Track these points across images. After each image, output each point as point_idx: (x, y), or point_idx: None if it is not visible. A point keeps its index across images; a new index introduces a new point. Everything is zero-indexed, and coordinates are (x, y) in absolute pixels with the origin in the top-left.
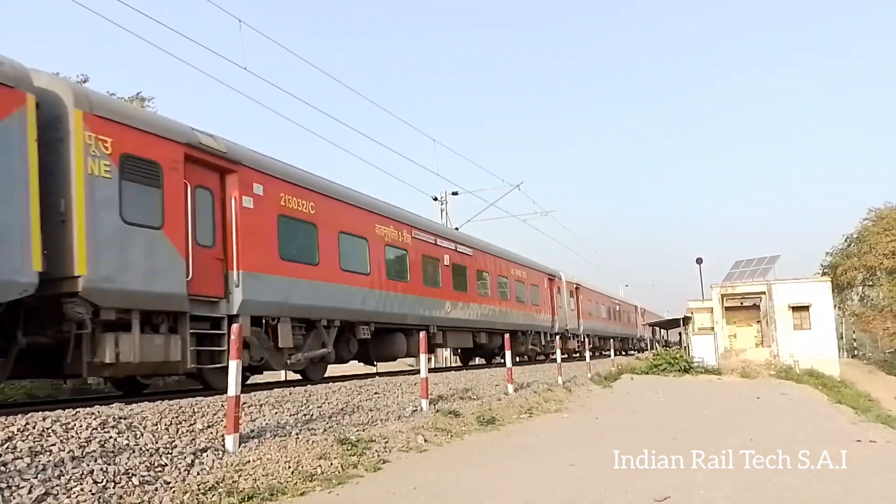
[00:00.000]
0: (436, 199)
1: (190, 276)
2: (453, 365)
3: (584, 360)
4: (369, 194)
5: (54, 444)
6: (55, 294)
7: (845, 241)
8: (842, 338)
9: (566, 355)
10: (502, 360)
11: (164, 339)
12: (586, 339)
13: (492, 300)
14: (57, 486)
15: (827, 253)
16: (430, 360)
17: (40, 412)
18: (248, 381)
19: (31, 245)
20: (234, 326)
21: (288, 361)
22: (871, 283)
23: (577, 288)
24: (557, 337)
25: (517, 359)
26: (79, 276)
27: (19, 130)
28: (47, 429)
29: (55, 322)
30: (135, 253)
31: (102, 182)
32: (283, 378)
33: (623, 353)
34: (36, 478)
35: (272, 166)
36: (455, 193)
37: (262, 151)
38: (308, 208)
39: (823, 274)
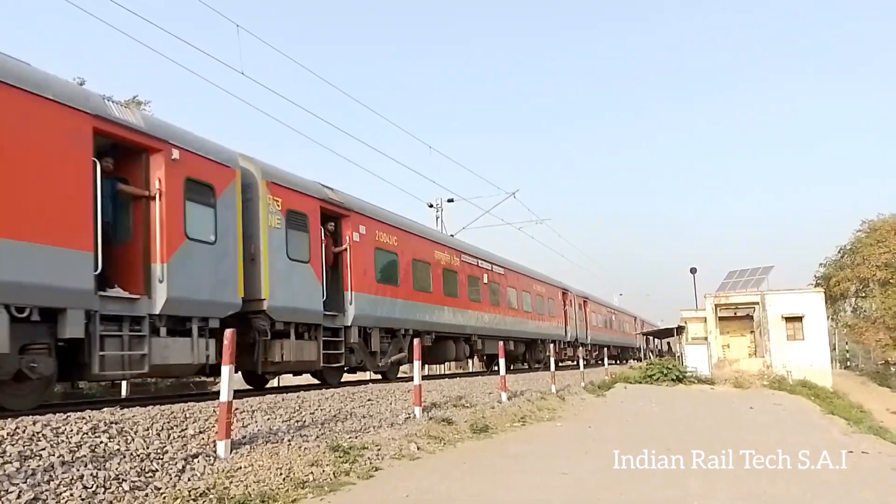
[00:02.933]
0: (431, 205)
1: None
2: (478, 370)
3: (598, 367)
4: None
5: (44, 449)
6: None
7: (839, 252)
8: (835, 349)
9: (575, 362)
10: (523, 365)
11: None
12: (581, 348)
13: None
14: (46, 491)
15: (820, 264)
16: (468, 364)
17: (30, 416)
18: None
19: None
20: (228, 332)
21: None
22: (864, 294)
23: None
24: (551, 344)
25: (535, 365)
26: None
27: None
28: (37, 433)
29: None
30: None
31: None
32: (277, 384)
33: (622, 361)
34: (25, 482)
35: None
36: (451, 200)
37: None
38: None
39: (817, 285)
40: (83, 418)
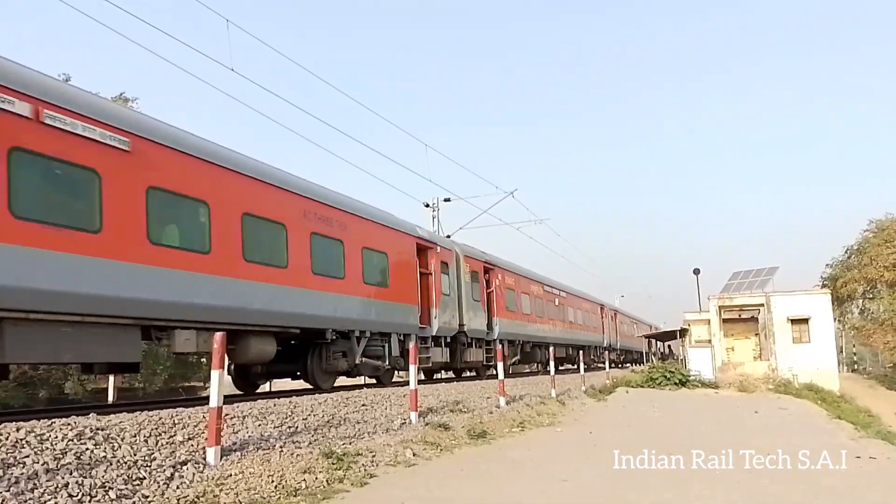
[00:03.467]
0: (427, 205)
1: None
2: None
3: (604, 369)
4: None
5: (28, 456)
6: (457, 332)
7: (846, 252)
8: (842, 351)
9: (610, 363)
10: (574, 366)
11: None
12: (613, 352)
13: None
14: (30, 499)
15: (827, 265)
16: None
17: (14, 422)
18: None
19: (461, 314)
20: (217, 335)
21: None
22: (871, 295)
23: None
24: (552, 348)
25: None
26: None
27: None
28: (21, 440)
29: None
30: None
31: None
32: (269, 389)
33: (628, 364)
34: (8, 491)
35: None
36: (447, 200)
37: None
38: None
39: (823, 286)
40: (68, 424)
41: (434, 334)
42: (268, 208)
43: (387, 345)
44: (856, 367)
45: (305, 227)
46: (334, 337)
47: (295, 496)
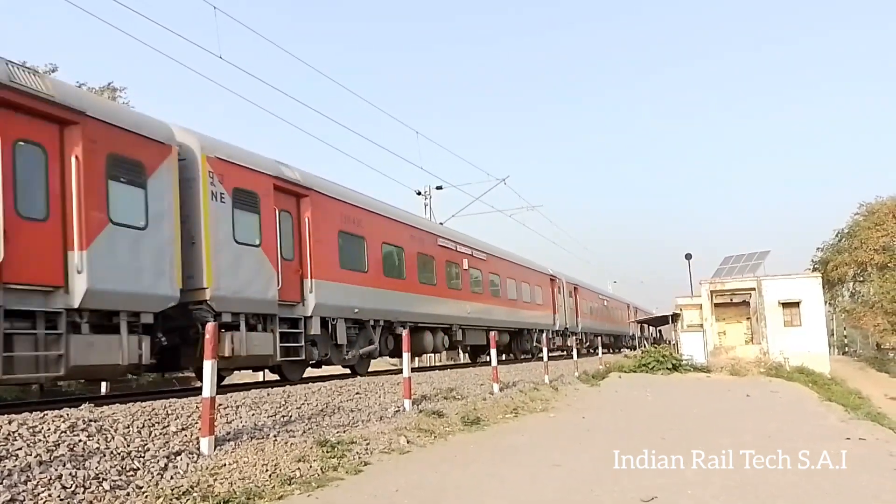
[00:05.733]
0: (419, 193)
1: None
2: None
3: (592, 356)
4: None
5: (21, 449)
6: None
7: (836, 236)
8: (832, 334)
9: (565, 352)
10: (509, 356)
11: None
12: (573, 337)
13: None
14: (23, 491)
15: (818, 248)
16: (459, 356)
17: (6, 415)
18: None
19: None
20: (209, 325)
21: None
22: (861, 278)
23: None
24: (544, 334)
25: (522, 355)
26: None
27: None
28: (13, 432)
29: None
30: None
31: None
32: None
33: (615, 350)
34: (1, 483)
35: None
36: (439, 188)
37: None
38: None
39: (814, 270)
40: (61, 416)
41: (79, 306)
42: None
43: None
44: (846, 349)
45: None
46: None
47: (289, 485)
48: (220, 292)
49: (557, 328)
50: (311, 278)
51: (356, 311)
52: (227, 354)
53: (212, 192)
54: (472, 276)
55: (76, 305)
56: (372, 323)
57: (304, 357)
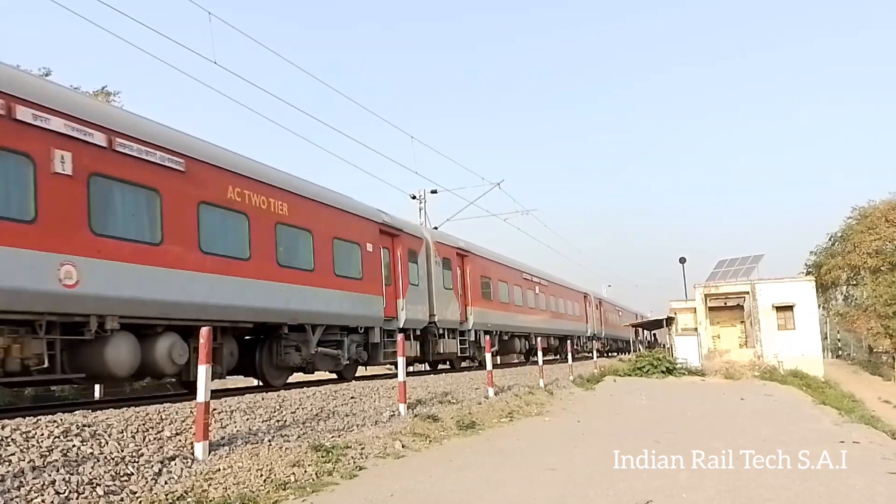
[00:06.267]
0: (414, 197)
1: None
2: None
3: (591, 359)
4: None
5: (14, 454)
6: (428, 324)
7: (829, 240)
8: (826, 338)
9: (590, 353)
10: (557, 357)
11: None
12: (597, 341)
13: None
14: (17, 497)
15: (811, 252)
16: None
17: None
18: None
19: (432, 305)
20: (204, 330)
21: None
22: (855, 282)
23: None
24: (538, 338)
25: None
26: (434, 315)
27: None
28: (6, 437)
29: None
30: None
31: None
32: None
33: (625, 353)
34: None
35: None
36: (434, 192)
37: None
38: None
39: (808, 273)
40: (54, 421)
41: (402, 326)
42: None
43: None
44: (840, 352)
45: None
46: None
47: (284, 489)
48: (438, 317)
49: (588, 334)
50: (471, 306)
51: (499, 326)
52: (441, 351)
53: (434, 261)
54: (541, 298)
55: (401, 326)
56: (496, 332)
57: (469, 355)
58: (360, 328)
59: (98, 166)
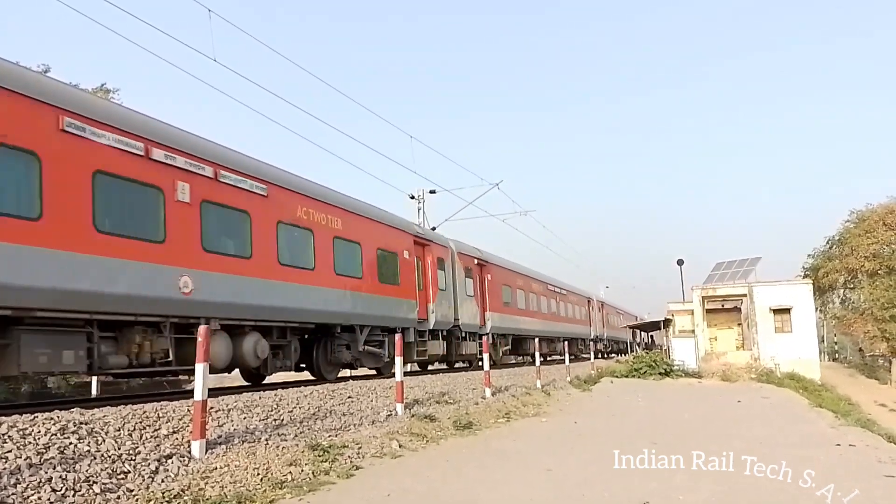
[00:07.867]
0: (412, 197)
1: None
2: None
3: (596, 358)
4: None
5: (10, 451)
6: (452, 326)
7: (827, 243)
8: (823, 341)
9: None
10: (561, 357)
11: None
12: (599, 343)
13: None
14: (13, 494)
15: (808, 255)
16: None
17: None
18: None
19: (456, 309)
20: (202, 328)
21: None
22: (852, 285)
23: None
24: (536, 341)
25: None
26: (458, 319)
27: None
28: (3, 434)
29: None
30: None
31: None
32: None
33: (614, 354)
34: None
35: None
36: (433, 192)
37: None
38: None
39: (805, 276)
40: (51, 419)
41: (432, 328)
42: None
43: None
44: (837, 356)
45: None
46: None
47: (281, 489)
48: (461, 321)
49: (592, 336)
50: (489, 311)
51: (512, 329)
52: (463, 352)
53: (458, 269)
54: (551, 303)
55: (431, 328)
56: (512, 336)
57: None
58: (398, 329)
59: (207, 194)
